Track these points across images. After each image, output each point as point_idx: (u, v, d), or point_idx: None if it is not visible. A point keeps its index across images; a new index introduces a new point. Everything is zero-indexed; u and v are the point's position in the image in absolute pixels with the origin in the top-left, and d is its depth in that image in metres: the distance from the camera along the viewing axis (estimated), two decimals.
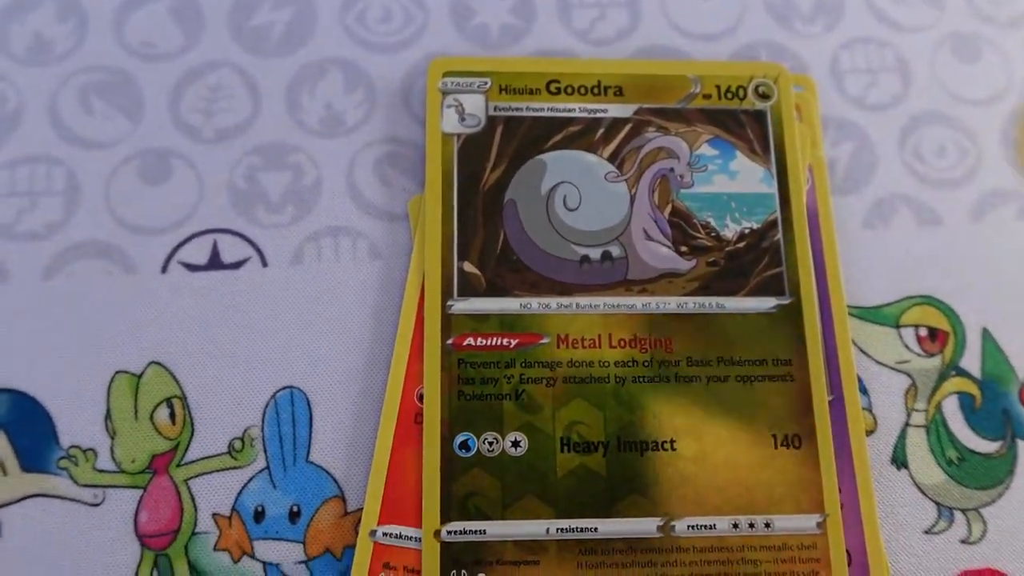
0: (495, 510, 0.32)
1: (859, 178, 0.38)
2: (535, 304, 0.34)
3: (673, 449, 0.33)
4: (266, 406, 0.34)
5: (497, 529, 0.32)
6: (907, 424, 0.35)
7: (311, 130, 0.37)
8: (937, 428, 0.35)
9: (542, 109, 0.36)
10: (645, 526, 0.32)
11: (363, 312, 0.35)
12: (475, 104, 0.36)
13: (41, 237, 0.35)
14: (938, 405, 0.35)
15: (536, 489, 0.32)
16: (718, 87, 0.37)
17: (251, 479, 0.33)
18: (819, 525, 0.32)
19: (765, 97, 0.37)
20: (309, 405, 0.34)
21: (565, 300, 0.34)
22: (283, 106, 0.37)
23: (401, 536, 0.32)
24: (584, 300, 0.34)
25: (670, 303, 0.34)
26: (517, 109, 0.36)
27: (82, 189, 0.36)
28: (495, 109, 0.36)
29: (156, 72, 0.37)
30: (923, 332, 0.36)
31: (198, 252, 0.35)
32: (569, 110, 0.36)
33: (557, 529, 0.32)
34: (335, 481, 0.33)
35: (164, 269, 0.35)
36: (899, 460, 0.34)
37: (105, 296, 0.35)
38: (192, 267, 0.35)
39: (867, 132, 0.38)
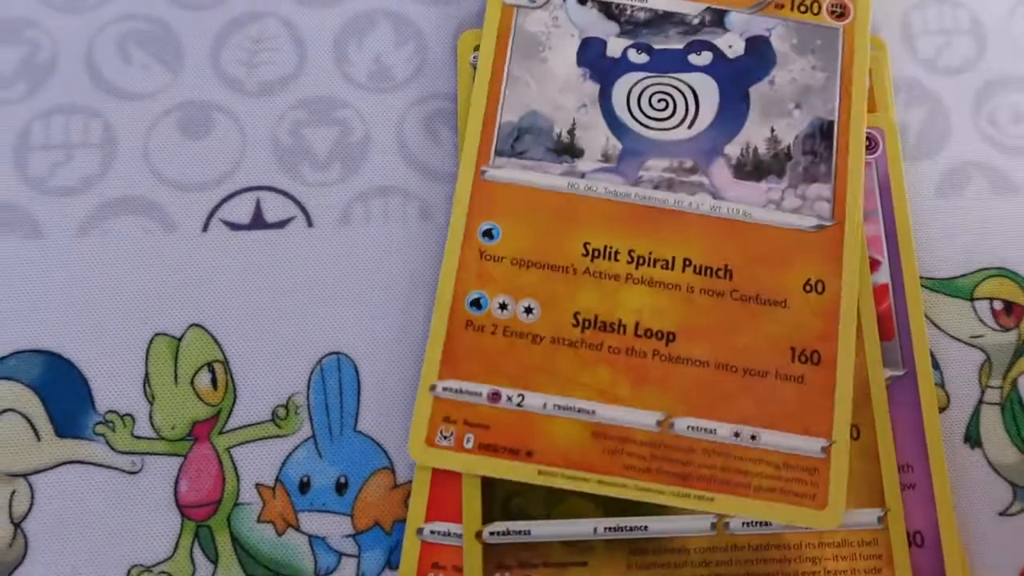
0: (539, 510, 0.31)
1: (932, 144, 0.36)
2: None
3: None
4: (312, 372, 0.32)
5: (542, 529, 0.31)
6: (981, 401, 0.33)
7: (359, 84, 0.35)
8: (1012, 406, 0.33)
9: None
10: (698, 524, 0.31)
11: (414, 275, 0.33)
12: None
13: (76, 192, 0.34)
14: (1014, 382, 0.34)
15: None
16: None
17: (296, 448, 0.32)
18: (880, 519, 0.31)
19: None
20: (357, 372, 0.32)
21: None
22: (330, 58, 0.36)
23: (450, 534, 0.31)
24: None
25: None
26: None
27: (119, 142, 0.34)
28: None
29: (196, 21, 0.36)
30: (998, 305, 0.35)
31: (241, 210, 0.34)
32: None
33: (605, 528, 0.31)
34: (384, 452, 0.32)
35: (205, 228, 0.33)
36: (973, 439, 0.33)
37: (143, 255, 0.33)
38: (234, 226, 0.34)
39: (940, 96, 0.37)
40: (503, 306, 0.32)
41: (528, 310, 0.32)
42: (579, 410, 0.31)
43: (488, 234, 0.33)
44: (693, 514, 0.31)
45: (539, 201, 0.33)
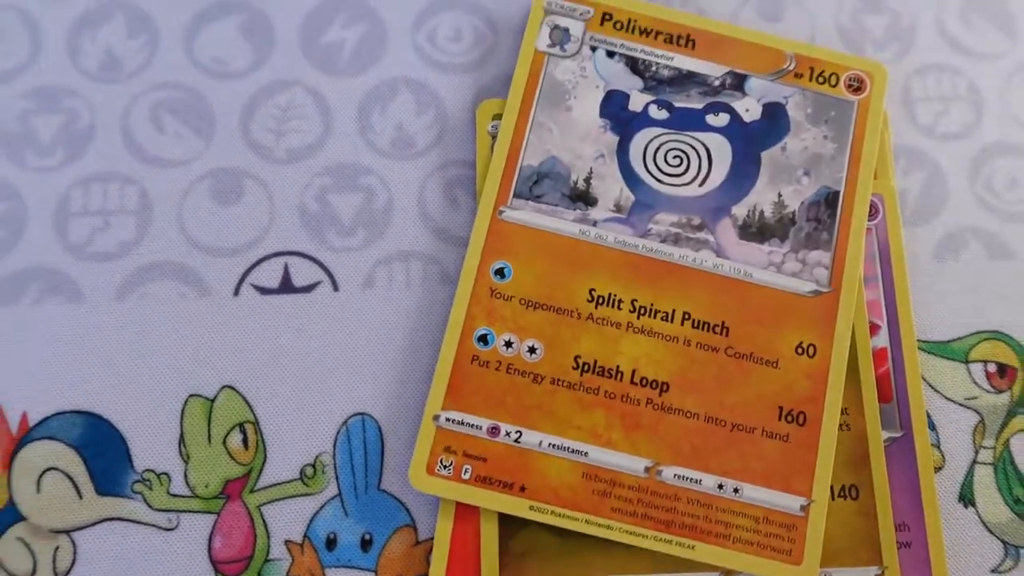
0: (554, 567, 0.32)
1: (930, 209, 0.37)
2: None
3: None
4: (338, 432, 0.34)
5: None
6: (975, 461, 0.35)
7: (382, 151, 0.37)
8: (1005, 466, 0.35)
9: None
10: None
11: (435, 338, 0.35)
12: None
13: (114, 257, 0.35)
14: (1006, 442, 0.35)
15: (596, 545, 0.33)
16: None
17: (323, 506, 0.33)
18: None
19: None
20: (381, 432, 0.34)
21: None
22: (354, 126, 0.37)
23: None
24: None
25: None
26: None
27: (154, 208, 0.36)
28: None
29: (227, 90, 0.37)
30: (992, 368, 0.36)
31: (270, 275, 0.35)
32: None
33: None
34: (407, 510, 0.33)
35: (236, 292, 0.35)
36: (966, 498, 0.34)
37: (178, 318, 0.35)
38: (264, 290, 0.35)
39: (938, 162, 0.38)
40: (508, 344, 0.34)
41: (532, 350, 0.34)
42: (573, 450, 0.33)
43: (500, 272, 0.34)
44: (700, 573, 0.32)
45: (551, 245, 0.35)
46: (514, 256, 0.34)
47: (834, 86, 0.37)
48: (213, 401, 0.34)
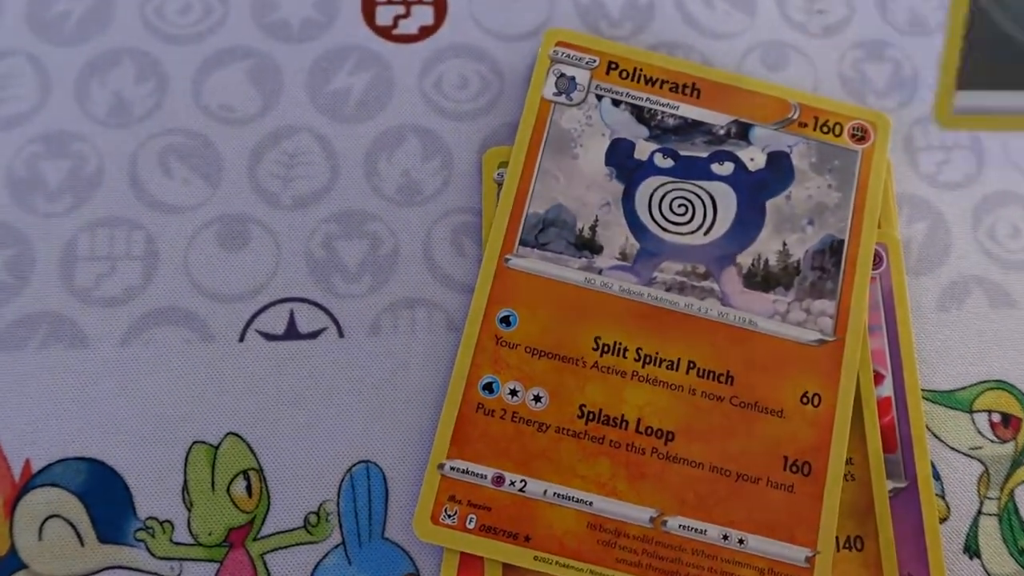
0: None
1: (933, 258, 0.38)
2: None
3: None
4: (342, 480, 0.34)
5: None
6: (980, 512, 0.35)
7: (388, 198, 0.37)
8: (1010, 517, 0.35)
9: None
10: None
11: (440, 386, 0.35)
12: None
13: (120, 302, 0.35)
14: (1011, 493, 0.35)
15: None
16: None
17: (327, 555, 0.33)
18: None
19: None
20: (385, 480, 0.34)
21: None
22: (361, 172, 0.37)
23: None
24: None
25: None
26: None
27: (160, 254, 0.36)
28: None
29: (234, 136, 0.37)
30: (996, 418, 0.36)
31: (275, 321, 0.35)
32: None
33: None
34: (411, 559, 0.33)
35: (242, 338, 0.35)
36: (971, 549, 0.34)
37: (183, 364, 0.35)
38: (269, 336, 0.35)
39: (941, 211, 0.38)
40: (514, 392, 0.34)
41: (537, 398, 0.34)
42: (577, 500, 0.33)
43: (506, 321, 0.34)
44: None
45: (557, 293, 0.35)
46: (520, 304, 0.35)
47: (838, 135, 0.37)
48: (217, 448, 0.34)
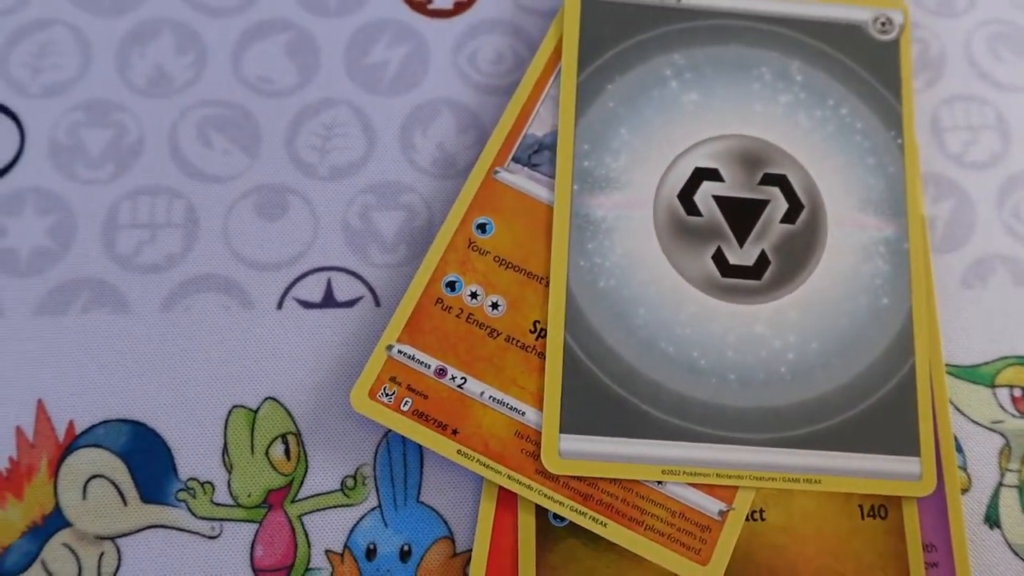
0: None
1: (959, 237, 0.38)
2: None
3: (763, 519, 0.34)
4: (378, 445, 0.35)
5: None
6: (1000, 484, 0.35)
7: (423, 170, 0.38)
8: None
9: None
10: None
11: None
12: None
13: (161, 269, 0.36)
14: None
15: (629, 560, 0.33)
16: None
17: (363, 517, 0.34)
18: None
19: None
20: (420, 446, 0.35)
21: None
22: (397, 145, 0.38)
23: None
24: None
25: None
26: None
27: (200, 222, 0.36)
28: None
29: (273, 108, 0.38)
30: (1017, 393, 0.37)
31: (313, 289, 0.36)
32: None
33: None
34: (445, 522, 0.34)
35: (280, 305, 0.36)
36: (992, 520, 0.35)
37: (222, 330, 0.35)
38: (307, 304, 0.36)
39: (967, 190, 0.39)
40: (474, 295, 0.35)
41: (495, 305, 0.35)
42: (512, 407, 0.34)
43: (482, 228, 0.35)
44: None
45: (535, 213, 0.36)
46: (499, 215, 0.36)
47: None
48: (256, 412, 0.35)
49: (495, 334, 0.34)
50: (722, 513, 0.33)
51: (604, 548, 0.33)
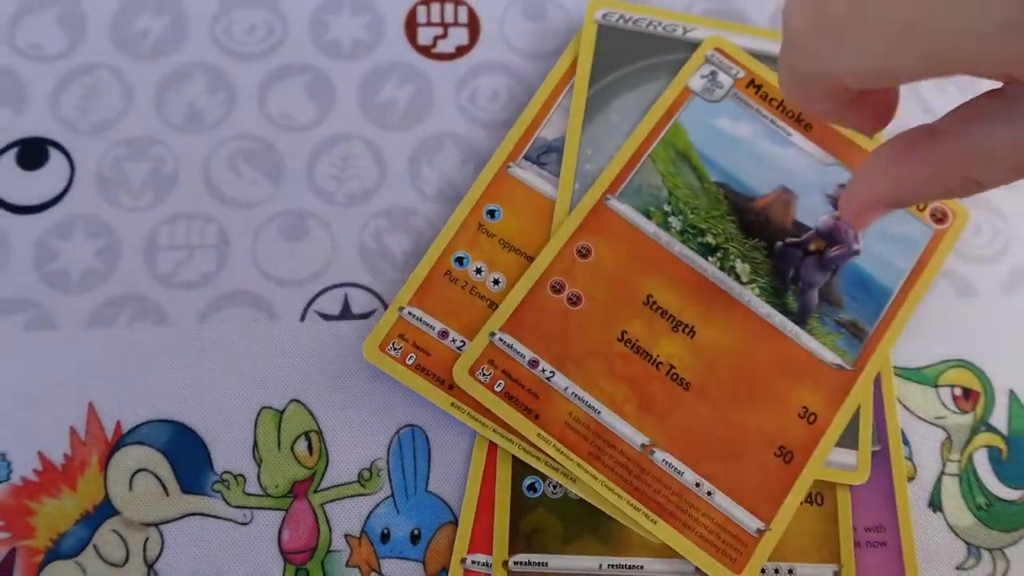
0: (556, 545, 0.37)
1: None
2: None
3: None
4: (391, 441, 0.39)
5: (557, 562, 0.37)
6: (943, 473, 0.40)
7: (429, 197, 0.42)
8: (968, 477, 0.40)
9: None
10: (686, 567, 0.37)
11: None
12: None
13: (197, 286, 0.40)
14: (970, 457, 0.40)
15: (592, 529, 0.37)
16: None
17: (378, 505, 0.38)
18: (835, 574, 0.37)
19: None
20: (428, 442, 0.39)
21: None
22: (405, 174, 0.42)
23: (488, 564, 0.37)
24: None
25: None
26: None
27: (231, 243, 0.41)
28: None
29: (294, 141, 0.42)
30: (958, 392, 0.41)
31: (332, 303, 0.40)
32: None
33: (608, 565, 0.37)
34: (450, 509, 0.38)
35: (302, 318, 0.40)
36: (935, 504, 0.39)
37: (252, 340, 0.40)
38: (326, 316, 0.40)
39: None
40: (479, 271, 0.39)
41: (496, 281, 0.39)
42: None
43: (491, 213, 0.40)
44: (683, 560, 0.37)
45: (540, 205, 0.41)
46: (507, 204, 0.40)
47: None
48: (282, 413, 0.39)
49: (494, 306, 0.39)
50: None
51: (569, 517, 0.37)
